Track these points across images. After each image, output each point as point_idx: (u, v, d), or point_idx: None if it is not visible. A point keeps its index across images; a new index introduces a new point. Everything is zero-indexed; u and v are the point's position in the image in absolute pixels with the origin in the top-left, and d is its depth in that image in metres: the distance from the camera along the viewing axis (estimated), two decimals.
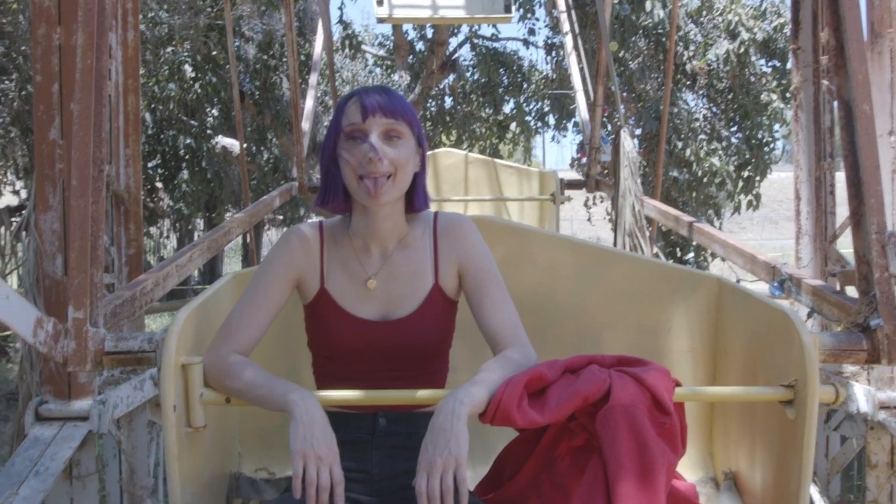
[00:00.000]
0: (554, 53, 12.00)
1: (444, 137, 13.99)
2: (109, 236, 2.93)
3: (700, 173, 8.14)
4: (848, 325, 2.26)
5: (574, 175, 6.99)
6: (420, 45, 13.35)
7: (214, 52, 10.55)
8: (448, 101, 13.93)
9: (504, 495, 1.92)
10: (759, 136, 8.44)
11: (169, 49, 10.43)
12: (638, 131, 8.83)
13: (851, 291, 2.52)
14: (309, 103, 5.94)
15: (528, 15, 10.89)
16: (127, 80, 3.03)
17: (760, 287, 2.96)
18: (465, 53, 13.75)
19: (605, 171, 5.62)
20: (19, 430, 2.52)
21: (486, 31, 13.18)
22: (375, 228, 1.84)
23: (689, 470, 2.34)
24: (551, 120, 13.61)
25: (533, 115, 13.97)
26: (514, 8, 6.09)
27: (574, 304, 2.44)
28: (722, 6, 8.34)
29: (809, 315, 2.67)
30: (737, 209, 8.78)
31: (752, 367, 2.08)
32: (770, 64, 8.81)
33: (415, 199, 1.87)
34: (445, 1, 5.91)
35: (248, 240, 5.50)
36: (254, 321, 1.82)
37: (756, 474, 2.03)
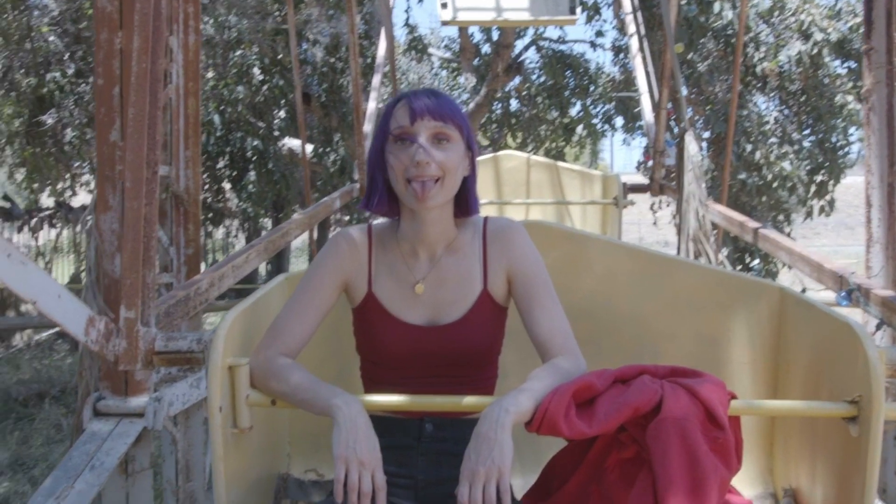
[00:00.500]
0: (621, 55, 11.84)
1: (509, 140, 13.94)
2: (168, 236, 2.98)
3: (770, 177, 7.91)
4: None
5: (640, 179, 6.88)
6: (486, 48, 13.35)
7: (281, 56, 10.70)
8: (514, 104, 13.88)
9: None
10: (833, 139, 8.17)
11: (237, 52, 10.61)
12: (706, 134, 8.64)
13: None
14: (371, 105, 5.96)
15: (595, 17, 10.76)
16: (188, 84, 3.08)
17: (829, 296, 2.85)
18: (532, 56, 13.66)
19: (671, 175, 5.50)
20: (78, 424, 2.57)
21: (553, 33, 13.10)
22: (424, 233, 1.81)
23: (747, 485, 2.26)
24: (618, 123, 13.47)
25: (599, 117, 13.83)
26: (578, 10, 6.00)
27: (631, 313, 2.38)
28: (794, 6, 8.11)
29: (878, 327, 2.56)
30: (808, 215, 8.52)
31: (814, 381, 2.00)
32: (845, 65, 8.53)
33: (464, 203, 1.84)
34: (509, 3, 5.88)
35: (311, 240, 5.54)
36: (301, 324, 1.82)
37: (817, 492, 1.95)
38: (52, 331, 8.49)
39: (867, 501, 1.66)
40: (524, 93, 13.39)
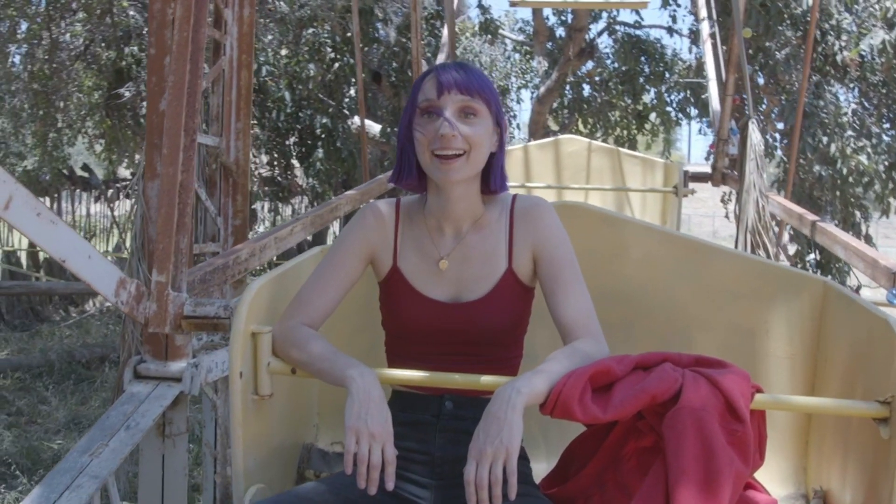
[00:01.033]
0: (699, 42, 11.56)
1: (580, 125, 13.78)
2: (217, 207, 3.03)
3: (845, 171, 7.63)
4: None
5: (706, 168, 6.71)
6: (560, 32, 13.20)
7: (352, 34, 10.74)
8: (586, 89, 13.70)
9: (568, 490, 1.86)
10: None
11: (310, 30, 10.71)
12: (780, 125, 8.38)
13: None
14: None
15: (671, 1, 10.51)
16: (241, 56, 3.12)
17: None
18: (606, 40, 13.43)
19: (734, 165, 5.36)
20: (119, 385, 2.65)
21: (629, 17, 12.91)
22: (449, 208, 1.80)
23: (779, 484, 2.20)
24: (693, 111, 13.19)
25: (674, 105, 13.55)
26: None
27: (667, 299, 2.32)
28: None
29: None
30: (885, 212, 8.20)
31: (851, 379, 1.92)
32: None
33: (491, 179, 1.82)
34: None
35: None
36: (325, 294, 1.83)
37: (846, 494, 1.88)
38: None
39: None
40: (596, 78, 13.20)
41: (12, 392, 5.71)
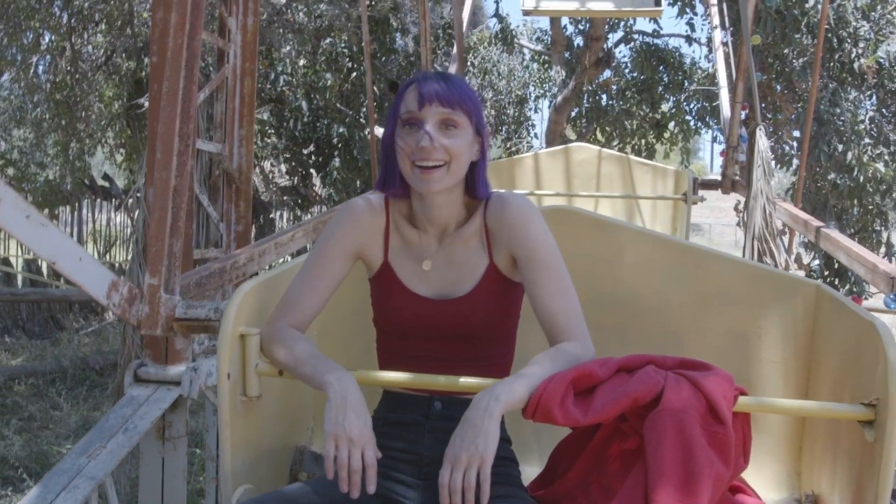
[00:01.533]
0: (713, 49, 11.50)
1: (598, 134, 13.74)
2: (219, 213, 3.06)
3: (862, 179, 7.56)
4: None
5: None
6: (578, 41, 13.19)
7: (372, 44, 10.82)
8: (604, 98, 13.67)
9: (555, 492, 1.87)
10: None
11: (327, 40, 10.79)
12: (796, 133, 8.32)
13: None
14: None
15: (687, 10, 10.48)
16: (244, 64, 3.15)
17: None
18: (624, 49, 13.41)
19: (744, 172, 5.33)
20: (119, 389, 2.68)
21: (647, 26, 12.90)
22: (432, 214, 1.83)
23: (773, 489, 2.19)
24: (712, 120, 13.12)
25: (693, 114, 13.49)
26: (665, 1, 5.86)
27: (661, 303, 2.32)
28: None
29: None
30: None
31: (842, 383, 1.91)
32: None
33: (473, 186, 1.84)
34: None
35: None
36: (312, 295, 1.85)
37: (835, 498, 1.87)
38: None
39: None
40: (613, 87, 13.17)
41: (25, 398, 5.78)
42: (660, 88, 13.01)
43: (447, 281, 1.84)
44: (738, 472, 1.72)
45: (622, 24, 12.51)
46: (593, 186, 5.89)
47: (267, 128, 11.11)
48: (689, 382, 1.65)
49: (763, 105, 8.60)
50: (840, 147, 7.58)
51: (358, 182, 11.72)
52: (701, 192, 5.35)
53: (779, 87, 8.90)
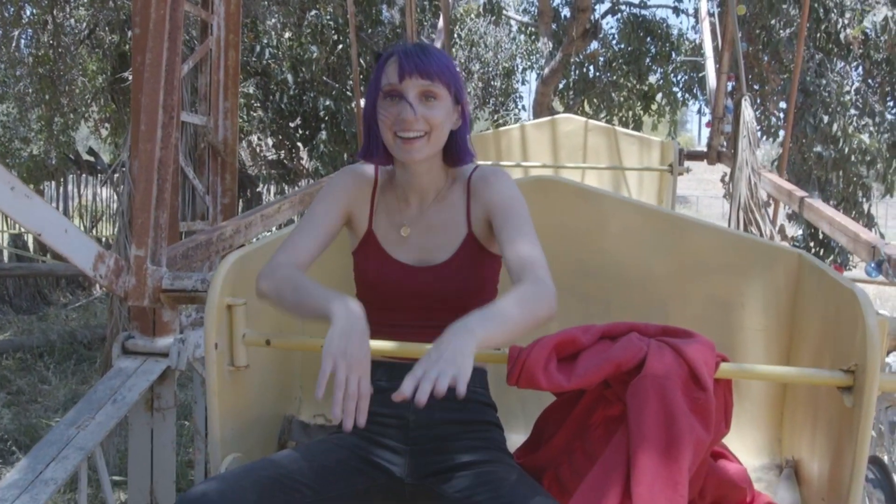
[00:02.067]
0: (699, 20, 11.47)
1: (586, 106, 13.72)
2: (205, 186, 3.05)
3: (847, 150, 7.59)
4: None
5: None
6: (565, 12, 13.12)
7: (358, 16, 10.73)
8: (591, 70, 13.63)
9: (539, 459, 1.89)
10: None
11: (312, 12, 10.70)
12: (782, 104, 8.33)
13: None
14: None
15: None
16: (228, 36, 3.13)
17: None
18: (611, 21, 13.36)
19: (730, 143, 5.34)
20: (107, 361, 2.69)
21: None
22: (413, 182, 1.89)
23: (754, 455, 2.22)
24: (699, 91, 13.12)
25: (681, 86, 13.48)
26: None
27: (644, 273, 2.34)
28: None
29: None
30: (888, 191, 8.16)
31: (823, 350, 1.94)
32: None
33: (452, 154, 1.89)
34: None
35: None
36: (311, 238, 1.88)
37: (815, 462, 1.90)
38: None
39: (857, 471, 1.61)
40: (600, 58, 13.14)
41: (14, 372, 5.78)
42: (647, 60, 12.98)
43: (425, 248, 1.89)
44: (720, 437, 1.75)
45: None
46: (580, 158, 5.90)
47: (253, 101, 11.03)
48: (672, 349, 1.67)
49: (749, 76, 8.60)
50: (826, 118, 7.60)
51: (345, 155, 11.68)
52: (687, 164, 5.37)
53: (765, 58, 8.90)
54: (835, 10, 7.91)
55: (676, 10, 12.53)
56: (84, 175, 11.81)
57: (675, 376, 1.63)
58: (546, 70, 12.05)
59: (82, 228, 11.34)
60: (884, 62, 7.96)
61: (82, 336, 6.67)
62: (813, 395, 1.96)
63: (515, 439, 2.08)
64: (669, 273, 2.31)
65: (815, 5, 7.72)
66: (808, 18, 7.86)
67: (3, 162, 11.21)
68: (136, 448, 2.75)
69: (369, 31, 11.08)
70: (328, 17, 10.67)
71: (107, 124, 12.18)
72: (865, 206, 8.32)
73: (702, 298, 2.29)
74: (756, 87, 8.82)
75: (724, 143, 5.33)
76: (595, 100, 13.36)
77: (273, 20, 10.76)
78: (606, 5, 12.73)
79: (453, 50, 12.83)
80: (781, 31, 8.59)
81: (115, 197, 11.96)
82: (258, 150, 12.51)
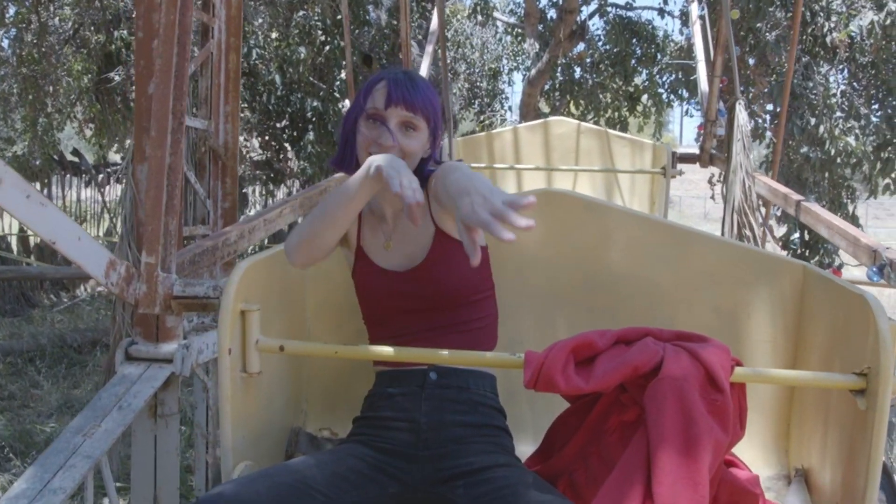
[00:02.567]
0: (689, 23, 11.55)
1: (572, 107, 13.75)
2: (206, 190, 3.04)
3: (833, 152, 7.66)
4: None
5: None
6: (552, 13, 13.14)
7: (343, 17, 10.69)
8: (577, 71, 13.68)
9: (552, 466, 1.90)
10: None
11: (300, 13, 10.67)
12: (769, 106, 8.39)
13: None
14: (423, 71, 5.95)
15: None
16: (229, 39, 3.12)
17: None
18: (598, 22, 13.39)
19: (722, 146, 5.37)
20: (110, 367, 2.67)
21: None
22: (384, 198, 1.97)
23: (761, 466, 2.23)
24: (685, 93, 13.19)
25: (666, 87, 13.55)
26: None
27: (650, 285, 2.35)
28: None
29: None
30: (872, 193, 8.24)
31: (831, 358, 1.96)
32: None
33: (418, 174, 1.94)
34: None
35: None
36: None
37: (826, 469, 1.92)
38: None
39: (872, 475, 1.63)
40: (587, 60, 13.18)
41: (4, 377, 5.73)
42: (633, 61, 13.04)
43: (405, 254, 1.96)
44: (736, 440, 1.76)
45: None
46: (572, 160, 5.91)
47: (240, 102, 10.99)
48: (688, 353, 1.69)
49: (727, 78, 8.66)
50: (812, 121, 7.67)
51: (332, 156, 11.60)
52: (679, 167, 5.39)
53: (751, 61, 8.96)
54: (821, 14, 7.98)
55: (661, 12, 12.57)
56: (68, 176, 11.72)
57: (692, 378, 1.65)
58: (533, 71, 12.08)
59: None
60: (869, 65, 8.04)
61: (72, 339, 6.62)
62: (823, 401, 1.98)
63: (523, 450, 2.08)
64: (675, 285, 2.32)
65: (803, 9, 7.78)
66: (798, 22, 7.93)
67: None
68: (139, 455, 2.74)
69: (356, 31, 11.07)
70: (316, 18, 10.64)
71: (91, 125, 12.09)
72: (850, 208, 8.39)
73: (708, 310, 2.30)
74: (742, 89, 8.88)
75: (715, 146, 5.36)
76: (581, 101, 13.40)
77: (260, 20, 10.72)
78: (593, 6, 12.72)
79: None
80: (767, 34, 8.65)
81: (101, 198, 11.88)
82: (244, 151, 12.46)
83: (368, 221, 2.02)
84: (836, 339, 1.93)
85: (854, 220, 8.52)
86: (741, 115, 4.21)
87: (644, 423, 1.64)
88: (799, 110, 7.80)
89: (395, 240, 1.98)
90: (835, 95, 7.99)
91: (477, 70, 15.47)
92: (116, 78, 10.24)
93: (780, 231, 8.30)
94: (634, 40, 13.02)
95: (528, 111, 12.28)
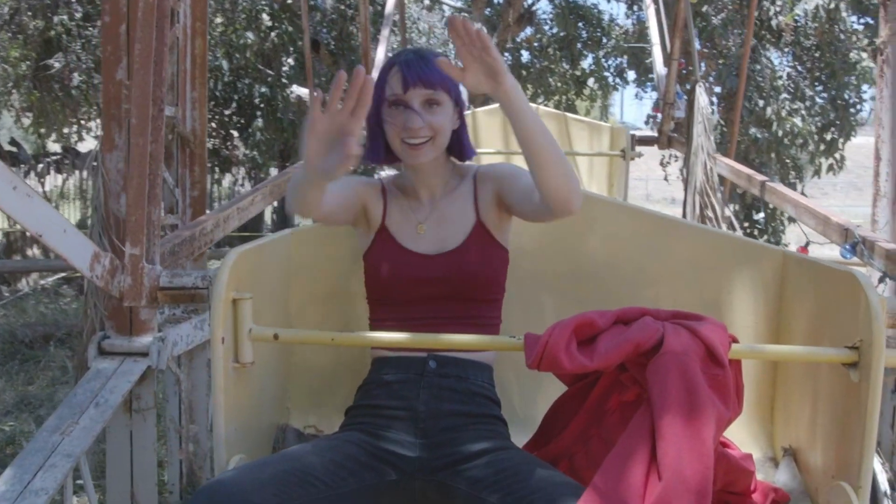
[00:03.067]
0: (635, 7, 11.67)
1: None
2: (174, 178, 2.97)
3: (780, 133, 7.84)
4: None
5: (648, 132, 6.80)
6: None
7: (291, 1, 10.57)
8: (525, 56, 13.74)
9: (551, 450, 1.90)
10: (846, 96, 8.06)
11: None
12: (717, 89, 8.53)
13: None
14: (380, 55, 5.90)
15: None
16: (195, 24, 3.05)
17: (833, 253, 2.84)
18: (544, 6, 13.49)
19: (679, 128, 5.44)
20: (83, 363, 2.60)
21: None
22: (422, 181, 1.99)
23: (748, 447, 2.26)
24: (631, 76, 13.33)
25: (612, 71, 13.70)
26: None
27: (633, 275, 2.36)
28: None
29: (881, 280, 2.55)
30: (817, 172, 8.45)
31: (816, 338, 1.99)
32: (862, 21, 8.38)
33: (457, 149, 2.00)
34: None
35: None
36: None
37: (817, 446, 1.95)
38: (57, 276, 8.51)
39: (867, 446, 1.66)
40: (535, 44, 13.24)
41: None
42: (579, 45, 13.15)
43: (439, 238, 1.97)
44: (735, 416, 1.79)
45: None
46: None
47: None
48: (687, 330, 1.71)
49: (685, 61, 8.77)
50: (760, 103, 7.82)
51: (280, 142, 11.49)
52: (638, 149, 5.45)
53: (699, 45, 9.10)
54: None
55: None
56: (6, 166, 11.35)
57: (693, 353, 1.66)
58: None
59: (4, 223, 10.91)
60: (814, 48, 8.23)
61: (22, 335, 6.42)
62: (811, 378, 2.01)
63: (516, 440, 2.08)
64: (659, 274, 2.34)
65: None
66: (740, 6, 8.08)
67: None
68: (114, 451, 2.67)
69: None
70: (263, 3, 10.48)
71: (29, 113, 11.73)
72: (799, 188, 8.60)
73: (690, 299, 2.31)
74: (689, 70, 9.02)
75: (673, 128, 5.43)
76: (530, 85, 13.47)
77: None
78: None
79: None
80: (713, 17, 8.79)
81: (41, 188, 11.55)
82: None
83: (397, 203, 2.02)
84: (822, 319, 1.96)
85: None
86: (702, 97, 4.27)
87: (646, 401, 1.65)
88: (747, 92, 7.95)
89: (430, 222, 1.99)
90: (781, 78, 8.16)
91: None
92: (56, 65, 9.95)
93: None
94: (581, 24, 13.11)
95: (477, 95, 12.27)
